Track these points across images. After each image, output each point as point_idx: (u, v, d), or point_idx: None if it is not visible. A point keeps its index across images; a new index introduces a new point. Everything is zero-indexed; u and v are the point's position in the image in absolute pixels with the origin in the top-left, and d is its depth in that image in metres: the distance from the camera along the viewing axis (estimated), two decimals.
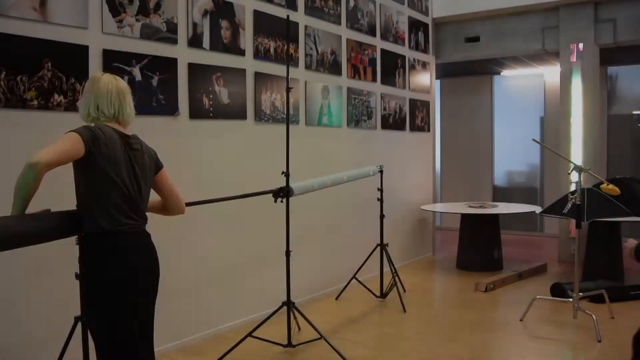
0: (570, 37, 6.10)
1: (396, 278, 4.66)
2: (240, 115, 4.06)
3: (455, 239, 6.32)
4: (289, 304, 3.51)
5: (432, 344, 3.68)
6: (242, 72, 4.06)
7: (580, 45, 6.05)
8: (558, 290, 4.62)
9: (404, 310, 4.42)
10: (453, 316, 4.31)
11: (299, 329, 3.82)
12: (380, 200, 4.70)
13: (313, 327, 3.48)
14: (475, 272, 5.78)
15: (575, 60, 6.09)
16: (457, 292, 5.05)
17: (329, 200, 4.94)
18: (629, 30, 5.86)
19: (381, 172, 4.70)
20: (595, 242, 5.23)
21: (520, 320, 4.13)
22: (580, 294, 4.03)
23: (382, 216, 4.71)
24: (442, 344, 3.68)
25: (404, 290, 4.87)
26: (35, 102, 2.83)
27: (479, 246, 5.96)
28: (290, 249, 3.57)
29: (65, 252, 2.41)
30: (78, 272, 2.16)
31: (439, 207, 6.57)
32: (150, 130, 3.41)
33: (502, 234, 6.12)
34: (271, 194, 3.48)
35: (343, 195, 5.05)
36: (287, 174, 3.50)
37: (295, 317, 3.60)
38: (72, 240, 2.15)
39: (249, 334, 3.44)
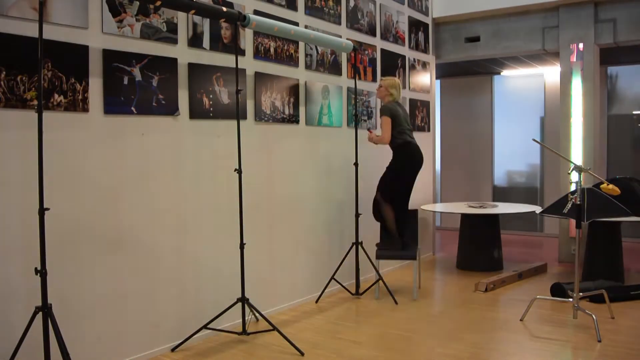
0: (570, 37, 6.10)
1: (379, 274, 4.75)
2: (241, 115, 4.06)
3: (455, 239, 6.32)
4: (243, 300, 3.65)
5: (432, 343, 3.68)
6: (242, 72, 4.06)
7: (580, 45, 6.05)
8: (558, 290, 4.63)
9: (396, 302, 4.61)
10: (453, 316, 4.31)
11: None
12: (356, 197, 4.79)
13: (266, 319, 3.72)
14: (475, 272, 5.78)
15: (575, 60, 6.09)
16: (457, 292, 5.05)
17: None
18: (629, 30, 5.86)
19: (355, 50, 4.73)
20: (595, 242, 5.23)
21: (520, 320, 4.14)
22: (580, 294, 4.03)
23: (357, 215, 4.78)
24: (442, 343, 3.68)
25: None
26: (35, 102, 2.83)
27: (479, 246, 5.96)
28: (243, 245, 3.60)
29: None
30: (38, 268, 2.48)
31: (439, 207, 6.56)
32: (150, 130, 3.42)
33: (502, 234, 6.12)
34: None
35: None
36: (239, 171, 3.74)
37: (252, 310, 3.74)
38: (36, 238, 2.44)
39: (204, 326, 3.59)
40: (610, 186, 3.81)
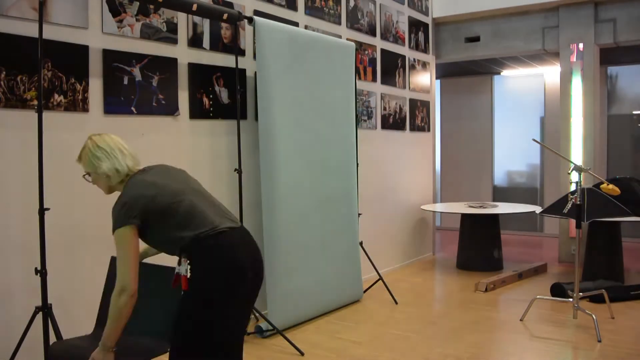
0: (570, 37, 6.10)
1: (379, 274, 4.75)
2: (241, 115, 4.06)
3: (455, 239, 6.32)
4: None
5: (432, 343, 3.68)
6: (242, 72, 4.06)
7: (580, 45, 6.05)
8: (558, 290, 4.63)
9: (396, 302, 4.61)
10: (453, 316, 4.31)
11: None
12: (356, 197, 4.78)
13: (268, 321, 3.71)
14: (475, 272, 5.78)
15: (575, 60, 6.09)
16: (457, 292, 5.05)
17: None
18: (629, 30, 5.86)
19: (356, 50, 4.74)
20: (595, 242, 5.23)
21: (520, 320, 4.14)
22: (580, 294, 4.03)
23: (357, 214, 4.77)
24: (442, 344, 3.68)
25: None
26: (35, 102, 2.83)
27: (479, 246, 5.96)
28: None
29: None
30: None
31: (439, 207, 6.57)
32: (150, 130, 3.42)
33: (502, 234, 6.12)
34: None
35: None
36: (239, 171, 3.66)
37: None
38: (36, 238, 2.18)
39: None
40: (610, 186, 3.81)
